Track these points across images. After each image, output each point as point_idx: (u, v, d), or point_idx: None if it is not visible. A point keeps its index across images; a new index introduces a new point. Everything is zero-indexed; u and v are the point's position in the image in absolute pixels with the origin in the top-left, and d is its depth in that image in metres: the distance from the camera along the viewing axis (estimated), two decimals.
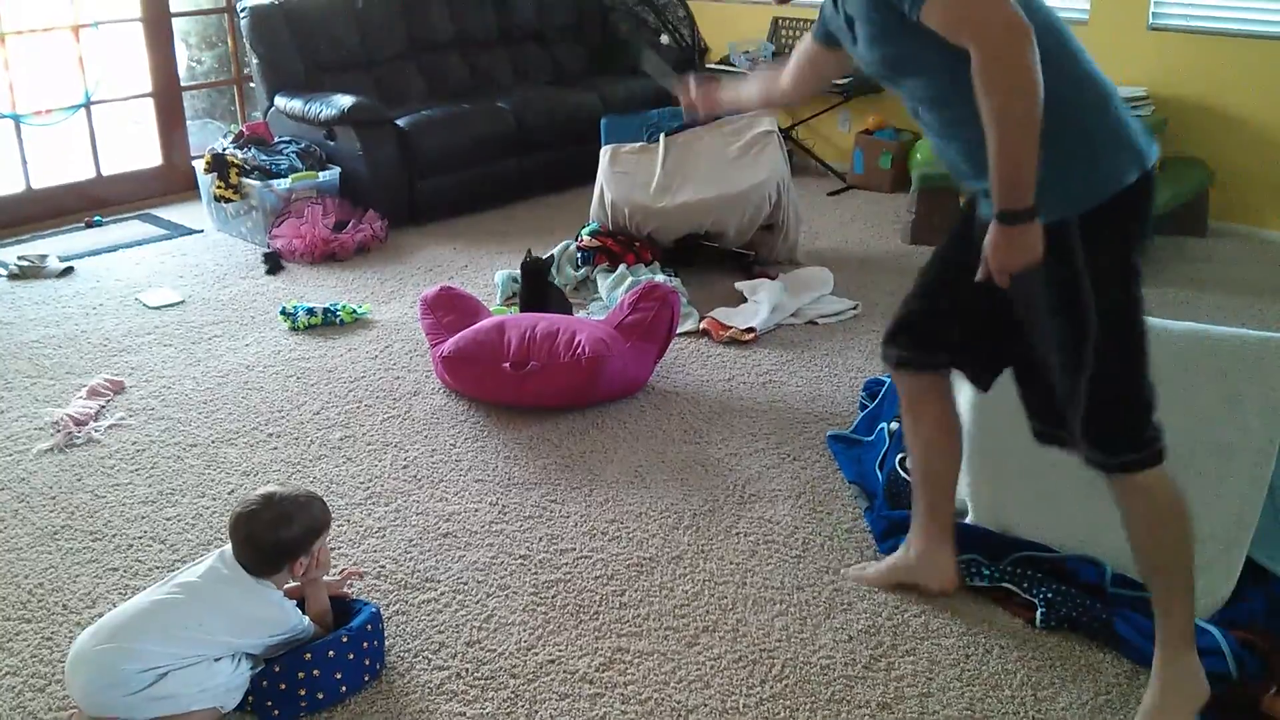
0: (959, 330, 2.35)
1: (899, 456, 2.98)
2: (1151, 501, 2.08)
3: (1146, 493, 2.08)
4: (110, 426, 3.39)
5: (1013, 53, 1.83)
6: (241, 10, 5.61)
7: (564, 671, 2.34)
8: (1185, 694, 2.14)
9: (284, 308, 4.22)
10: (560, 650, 2.40)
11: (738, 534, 2.83)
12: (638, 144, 4.86)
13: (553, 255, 4.32)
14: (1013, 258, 1.96)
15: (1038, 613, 2.47)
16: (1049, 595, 2.49)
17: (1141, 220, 2.03)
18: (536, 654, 2.39)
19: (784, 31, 6.43)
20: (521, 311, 3.94)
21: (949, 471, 2.53)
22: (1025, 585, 2.53)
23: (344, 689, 2.25)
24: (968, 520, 2.74)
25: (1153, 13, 5.24)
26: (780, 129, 5.04)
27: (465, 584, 2.63)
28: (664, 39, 6.81)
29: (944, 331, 2.37)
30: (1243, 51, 5.05)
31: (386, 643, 2.41)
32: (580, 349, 3.39)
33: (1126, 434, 2.06)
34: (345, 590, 2.48)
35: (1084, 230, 1.97)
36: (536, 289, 4.01)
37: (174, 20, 5.78)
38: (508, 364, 3.42)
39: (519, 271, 4.08)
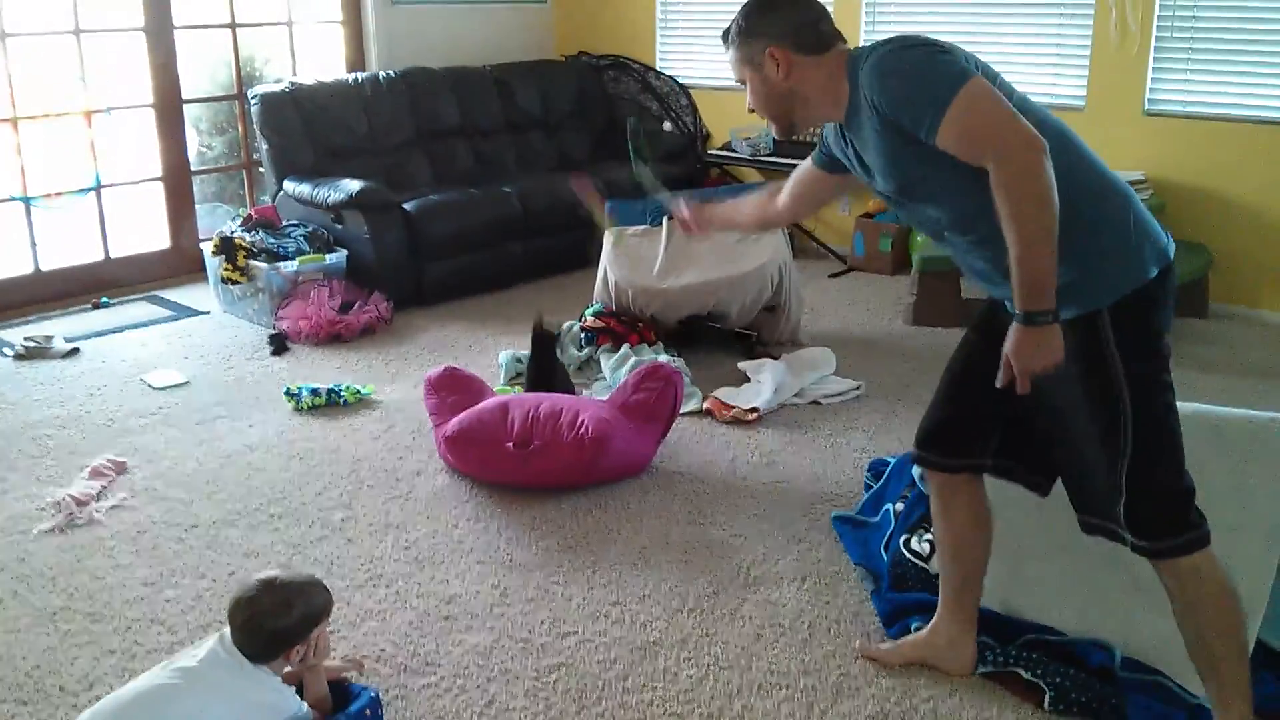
0: (999, 431, 2.35)
1: (903, 539, 2.96)
2: (1202, 585, 2.09)
3: (1195, 576, 2.09)
4: (112, 507, 3.38)
5: (1032, 168, 1.91)
6: (252, 97, 5.72)
7: None
8: None
9: (288, 388, 4.23)
10: None
11: (743, 617, 2.80)
12: (641, 227, 4.91)
13: (562, 326, 4.35)
14: (1035, 358, 2.01)
15: (1046, 696, 2.43)
16: (1058, 679, 2.45)
17: (1164, 309, 2.10)
18: None
19: None
20: (528, 379, 3.98)
21: (979, 564, 2.53)
22: (1034, 669, 2.49)
23: None
24: None
25: (1148, 98, 5.33)
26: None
27: (466, 668, 2.60)
28: (667, 126, 6.92)
29: (982, 434, 2.37)
30: (1238, 136, 5.13)
31: None
32: (584, 428, 3.39)
33: (1171, 519, 2.08)
34: (344, 677, 2.45)
35: (1113, 319, 2.04)
36: (545, 358, 4.04)
37: (185, 106, 5.88)
38: (511, 444, 3.42)
39: (529, 343, 4.09)
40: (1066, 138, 2.09)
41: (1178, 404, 2.54)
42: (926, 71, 1.99)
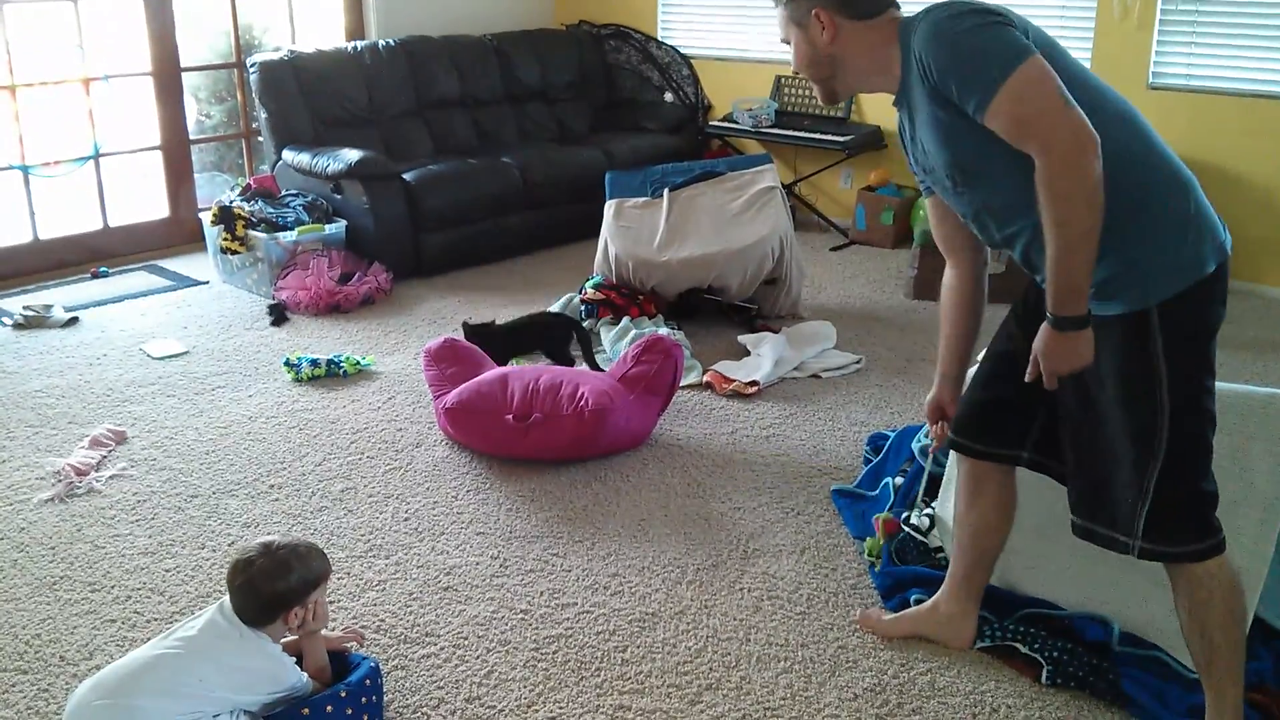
0: (1036, 427, 2.28)
1: (903, 514, 2.97)
2: (1215, 588, 2.06)
3: (1212, 579, 2.06)
4: (111, 477, 3.38)
5: (1080, 164, 1.82)
6: (251, 65, 5.68)
7: None
8: None
9: (288, 359, 4.23)
10: (561, 707, 2.38)
11: (741, 589, 2.81)
12: (642, 199, 4.89)
13: (493, 320, 4.31)
14: (1064, 362, 1.97)
15: (1044, 671, 2.44)
16: (1055, 654, 2.46)
17: (1218, 306, 2.01)
18: (537, 711, 2.36)
19: (787, 90, 6.49)
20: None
21: (994, 551, 2.50)
22: (1032, 643, 2.50)
23: None
24: None
25: (1152, 72, 5.30)
26: (783, 185, 5.08)
27: (465, 639, 2.61)
28: (668, 97, 6.88)
29: (1021, 425, 2.30)
30: (1242, 110, 5.10)
31: (385, 698, 2.38)
32: (583, 401, 3.39)
33: (1193, 524, 2.04)
34: (344, 647, 2.45)
35: (1162, 318, 1.96)
36: (494, 349, 4.02)
37: (184, 74, 5.85)
38: (510, 416, 3.42)
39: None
40: (1127, 119, 1.99)
41: None
42: (983, 44, 1.88)
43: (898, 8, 2.09)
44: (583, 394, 3.42)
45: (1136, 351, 1.97)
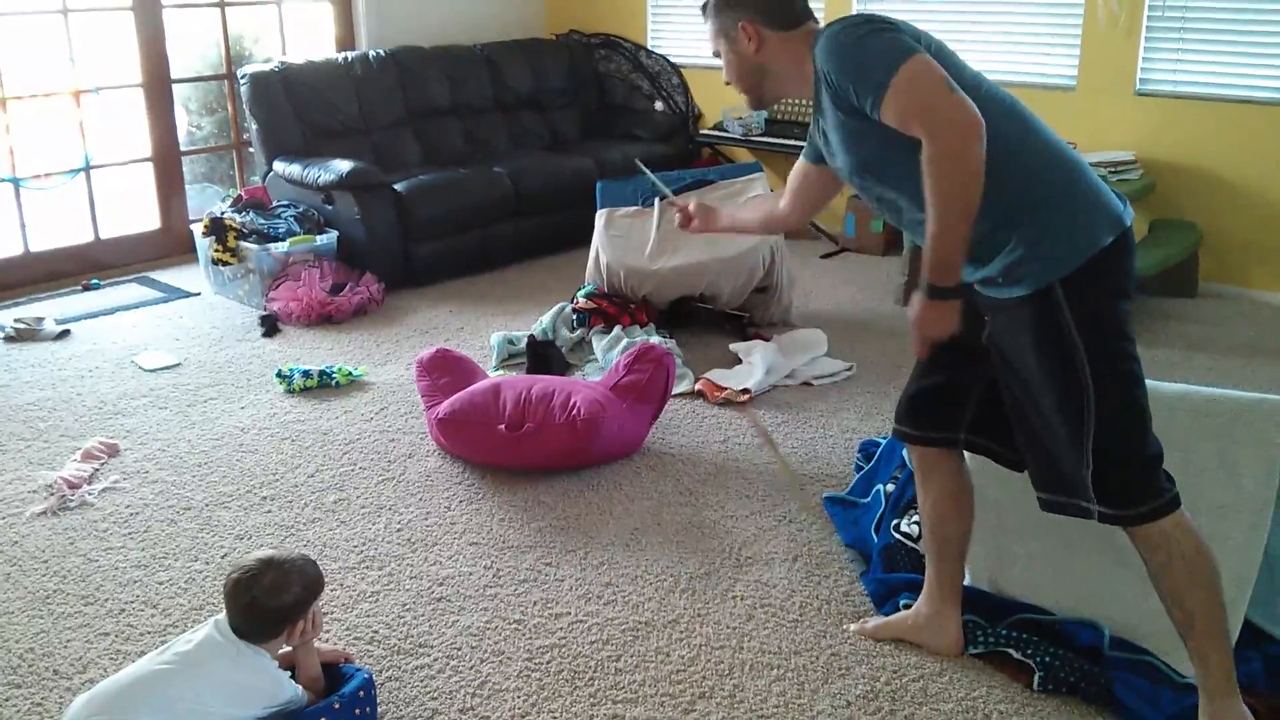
0: (972, 407, 2.39)
1: (894, 521, 2.98)
2: (1175, 547, 2.12)
3: (1168, 539, 2.12)
4: (104, 490, 3.38)
5: (964, 144, 1.95)
6: (241, 77, 5.69)
7: None
8: None
9: (280, 370, 4.23)
10: (555, 717, 2.38)
11: (734, 598, 2.82)
12: (633, 208, 4.90)
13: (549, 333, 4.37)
14: (933, 328, 2.12)
15: (1036, 676, 2.45)
16: (1047, 659, 2.47)
17: (1123, 277, 2.12)
18: None
19: None
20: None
21: (960, 538, 2.55)
22: (1024, 649, 2.51)
23: None
24: (965, 582, 2.73)
25: (1139, 78, 5.33)
26: (773, 193, 5.09)
27: (459, 649, 2.61)
28: (658, 105, 6.90)
29: (955, 409, 2.41)
30: (1228, 115, 5.13)
31: (379, 709, 2.38)
32: (575, 410, 3.40)
33: (1140, 486, 2.11)
34: (337, 659, 2.45)
35: (1066, 292, 2.07)
36: (540, 362, 4.09)
37: (174, 86, 5.85)
38: (503, 425, 3.43)
39: (521, 338, 4.13)
40: (1016, 112, 2.13)
41: (1166, 384, 2.58)
42: (871, 48, 2.03)
43: (816, 20, 2.26)
44: (575, 403, 3.42)
45: (1050, 328, 2.09)
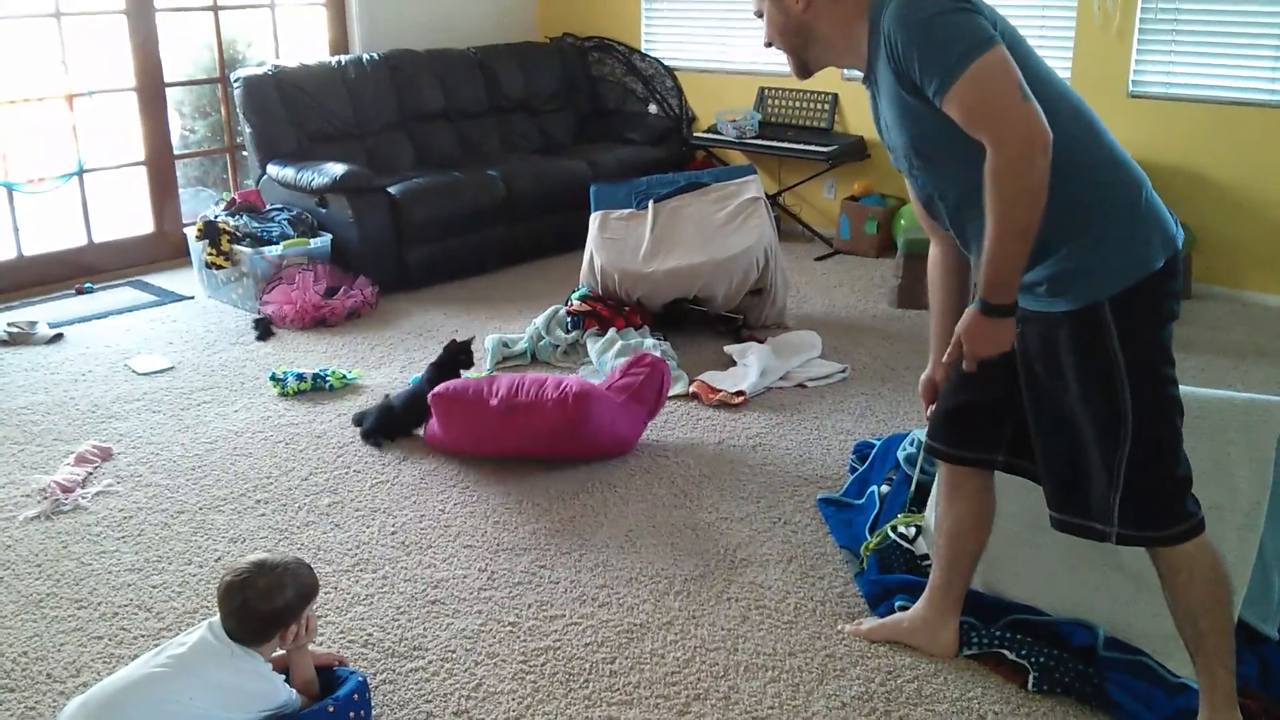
0: (1009, 427, 2.29)
1: (889, 524, 2.98)
2: (1195, 570, 2.10)
3: (1190, 562, 2.10)
4: (97, 493, 3.37)
5: (1029, 160, 1.86)
6: (235, 80, 5.68)
7: None
8: None
9: (273, 373, 4.23)
10: (550, 719, 2.38)
11: (729, 599, 2.82)
12: (626, 210, 4.91)
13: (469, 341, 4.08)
14: (985, 346, 2.04)
15: (1030, 677, 2.45)
16: (1042, 659, 2.47)
17: (1170, 300, 2.06)
18: None
19: (770, 101, 6.52)
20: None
21: (974, 554, 2.52)
22: (1018, 650, 2.51)
23: None
24: None
25: (1132, 80, 5.34)
26: (767, 195, 5.10)
27: (453, 652, 2.61)
28: (652, 109, 6.91)
29: (993, 428, 2.32)
30: (1221, 118, 5.15)
31: (374, 712, 2.38)
32: (567, 389, 3.42)
33: (1168, 509, 2.08)
34: (331, 662, 2.45)
35: (1114, 311, 2.00)
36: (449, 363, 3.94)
37: (168, 90, 5.84)
38: (495, 400, 3.44)
39: (516, 340, 4.05)
40: (1081, 115, 2.03)
41: None
42: (949, 28, 1.90)
43: None
44: (567, 384, 3.46)
45: (1092, 346, 2.02)
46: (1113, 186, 2.02)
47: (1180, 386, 2.58)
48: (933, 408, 2.46)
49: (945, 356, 2.11)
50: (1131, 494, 2.06)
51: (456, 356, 3.91)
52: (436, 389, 3.57)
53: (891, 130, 2.13)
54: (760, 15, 2.21)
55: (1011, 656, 2.51)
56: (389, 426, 3.76)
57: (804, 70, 2.23)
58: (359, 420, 3.84)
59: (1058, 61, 5.50)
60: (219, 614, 2.23)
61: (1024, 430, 2.24)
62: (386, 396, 3.94)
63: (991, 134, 1.88)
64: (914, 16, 1.94)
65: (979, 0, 1.97)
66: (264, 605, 2.19)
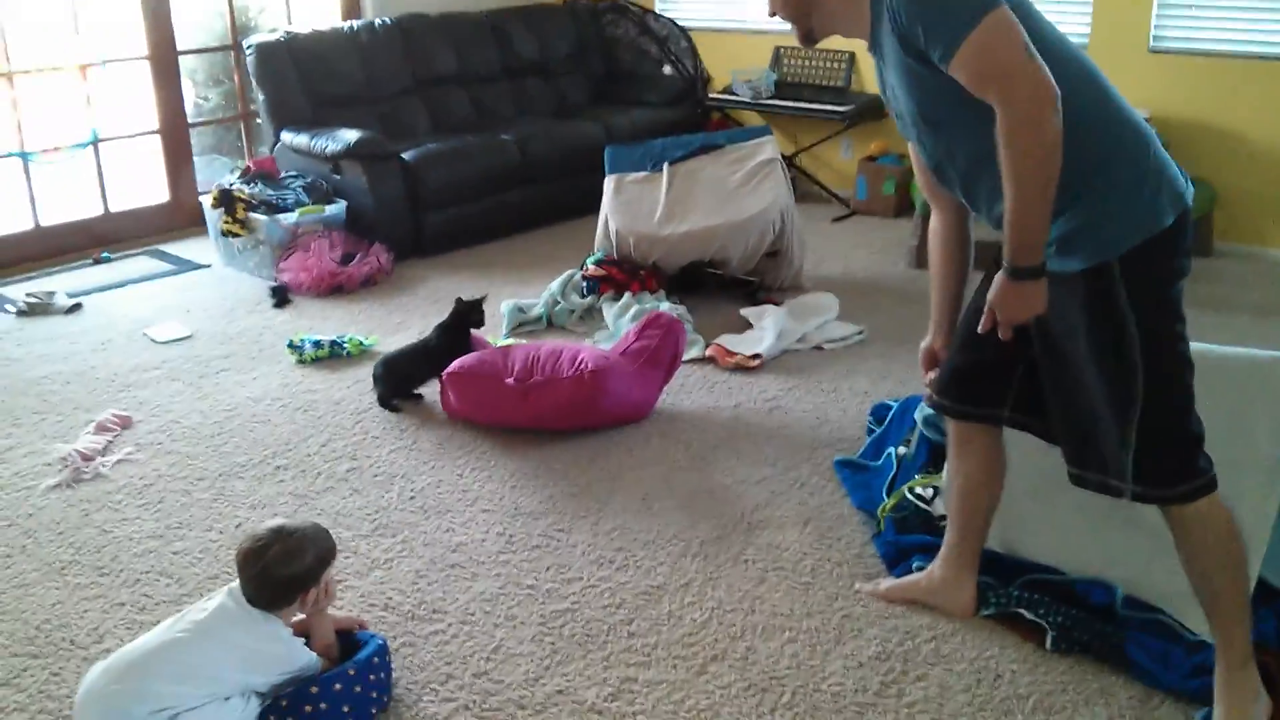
0: (1016, 383, 2.30)
1: (906, 485, 2.97)
2: (1208, 528, 2.10)
3: (1203, 520, 2.09)
4: (118, 461, 3.40)
5: (1040, 117, 1.84)
6: (247, 47, 5.67)
7: (572, 702, 2.33)
8: (1250, 712, 2.15)
9: (291, 341, 4.24)
10: (568, 680, 2.39)
11: (746, 561, 2.82)
12: (642, 173, 4.88)
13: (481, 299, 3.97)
14: (1018, 311, 2.02)
15: (1049, 636, 2.45)
16: (1059, 619, 2.47)
17: (1180, 257, 2.04)
18: (544, 685, 2.38)
19: (786, 60, 6.46)
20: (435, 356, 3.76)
21: (987, 510, 2.52)
22: (1036, 609, 2.51)
23: None
24: None
25: (1153, 35, 5.27)
26: (783, 156, 5.06)
27: (472, 615, 2.62)
28: (666, 70, 6.85)
29: (999, 385, 2.32)
30: (1244, 73, 5.07)
31: (394, 675, 2.40)
32: (583, 364, 3.41)
33: (1179, 467, 2.08)
34: (351, 625, 2.47)
35: (1124, 270, 1.99)
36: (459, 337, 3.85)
37: (180, 58, 5.83)
38: (511, 379, 3.43)
39: (531, 305, 4.00)
40: (1087, 73, 2.02)
41: None
42: None
43: None
44: (582, 358, 3.45)
45: (1103, 304, 2.01)
46: (1120, 144, 2.00)
47: (1200, 344, 2.57)
48: (933, 374, 2.48)
49: (980, 326, 2.08)
50: (1144, 451, 2.06)
51: (466, 316, 3.88)
52: (451, 368, 3.55)
53: (899, 98, 2.12)
54: None
55: (1029, 616, 2.51)
56: (397, 387, 3.76)
57: (809, 39, 2.22)
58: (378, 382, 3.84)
59: (1078, 18, 5.43)
60: (238, 579, 2.25)
61: (1030, 387, 2.25)
62: (388, 356, 3.90)
63: (1000, 94, 1.87)
64: None
65: None
66: (282, 570, 2.21)
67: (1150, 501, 2.12)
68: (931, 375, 2.50)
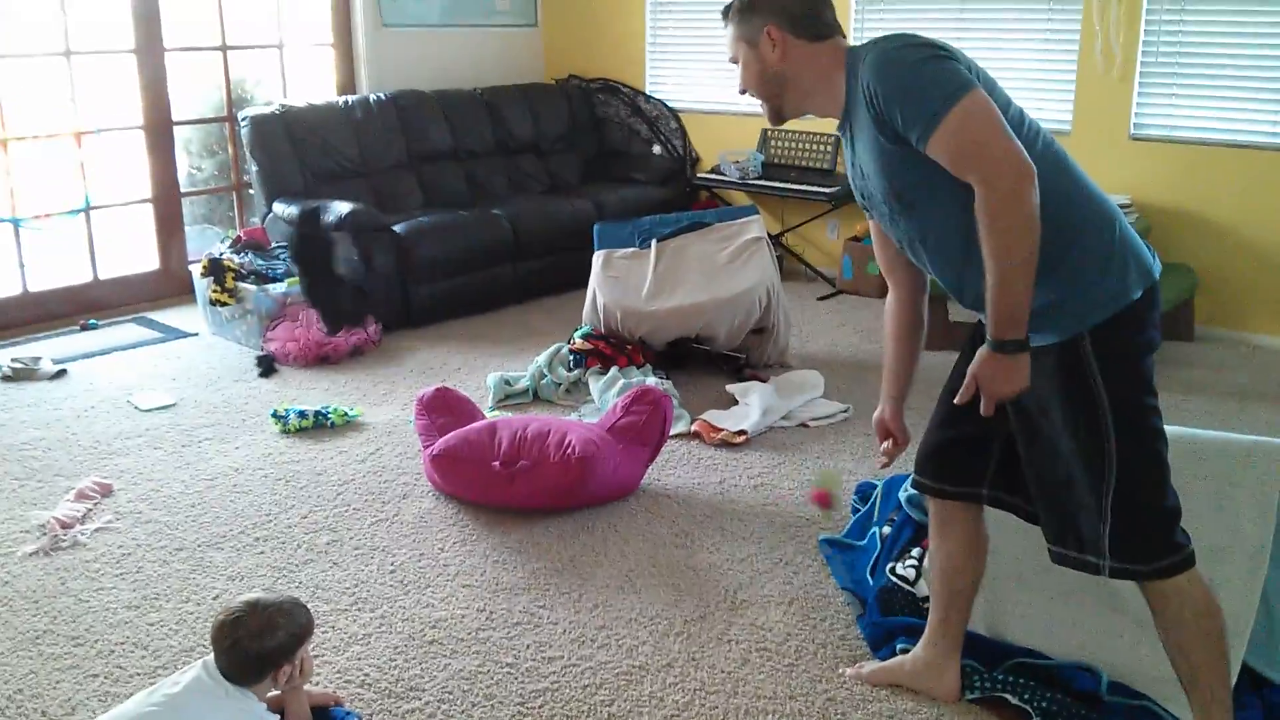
0: (994, 461, 2.30)
1: (890, 565, 2.96)
2: (1185, 603, 2.10)
3: (1181, 595, 2.09)
4: (97, 530, 3.36)
5: (1020, 194, 1.89)
6: (242, 119, 5.73)
7: None
8: None
9: (275, 410, 4.23)
10: None
11: (729, 641, 2.80)
12: (630, 249, 4.92)
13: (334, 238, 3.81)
14: (1002, 385, 2.03)
15: None
16: (1044, 704, 2.44)
17: (1149, 330, 2.08)
18: None
19: (773, 142, 6.55)
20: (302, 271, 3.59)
21: (969, 590, 2.50)
22: (1021, 694, 2.49)
23: None
24: None
25: (1134, 123, 5.37)
26: (770, 235, 5.12)
27: (450, 693, 2.58)
28: (656, 149, 6.95)
29: (978, 462, 2.33)
30: (1224, 160, 5.17)
31: None
32: (570, 449, 3.39)
33: (1157, 541, 2.08)
34: (327, 702, 2.43)
35: (1095, 343, 2.03)
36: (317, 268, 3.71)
37: (175, 128, 5.89)
38: (497, 463, 3.42)
39: (518, 378, 3.96)
40: (1058, 156, 2.07)
41: (1163, 427, 2.55)
42: (927, 75, 1.95)
43: (844, 37, 2.18)
44: (570, 442, 3.42)
45: (1075, 378, 2.04)
46: (1087, 221, 2.05)
47: (1183, 428, 2.59)
48: (887, 444, 2.53)
49: (958, 398, 2.10)
50: (1120, 526, 2.07)
51: (310, 240, 3.66)
52: (437, 450, 3.52)
53: (870, 178, 2.16)
54: (735, 62, 2.24)
55: (1014, 701, 2.48)
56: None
57: (778, 117, 2.26)
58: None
59: (1059, 104, 5.54)
60: (212, 653, 2.21)
61: (1009, 464, 2.26)
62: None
63: (981, 173, 1.91)
64: (894, 66, 1.99)
65: (955, 49, 2.03)
66: (255, 645, 2.18)
67: (1128, 577, 2.11)
68: (886, 444, 2.54)
